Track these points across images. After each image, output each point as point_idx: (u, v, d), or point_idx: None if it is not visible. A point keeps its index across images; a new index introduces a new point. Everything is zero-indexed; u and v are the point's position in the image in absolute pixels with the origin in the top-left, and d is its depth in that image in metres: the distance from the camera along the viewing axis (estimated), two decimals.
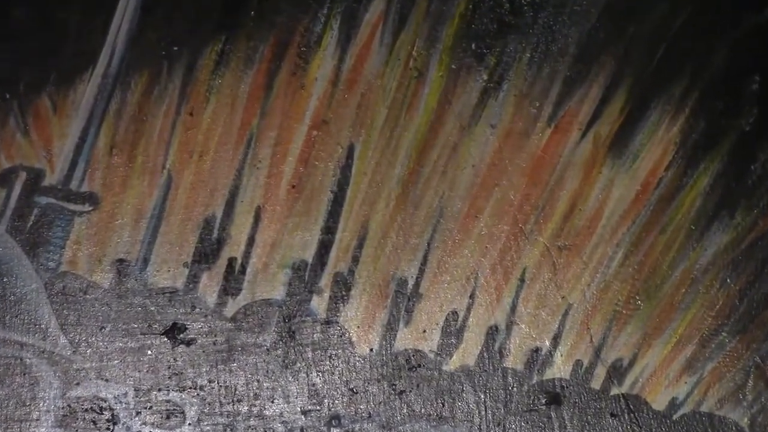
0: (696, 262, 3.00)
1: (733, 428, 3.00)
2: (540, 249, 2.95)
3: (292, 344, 2.92)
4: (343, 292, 2.95)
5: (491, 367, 2.92)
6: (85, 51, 2.93)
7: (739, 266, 2.99)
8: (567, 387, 2.93)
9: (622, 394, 2.96)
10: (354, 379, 2.90)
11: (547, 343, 2.93)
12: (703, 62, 3.02)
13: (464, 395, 2.91)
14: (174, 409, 2.89)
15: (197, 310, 2.93)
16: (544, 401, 2.92)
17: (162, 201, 2.92)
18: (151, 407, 2.88)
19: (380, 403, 2.89)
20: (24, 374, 2.84)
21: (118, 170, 2.93)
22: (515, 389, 2.95)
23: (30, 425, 2.83)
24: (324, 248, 2.97)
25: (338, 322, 2.93)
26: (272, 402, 2.90)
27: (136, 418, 2.87)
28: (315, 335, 2.96)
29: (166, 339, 2.91)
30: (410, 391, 2.95)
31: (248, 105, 2.97)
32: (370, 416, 2.92)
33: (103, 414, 2.86)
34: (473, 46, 2.98)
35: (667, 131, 3.00)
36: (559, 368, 2.94)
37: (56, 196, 2.89)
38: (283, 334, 2.91)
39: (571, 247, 2.95)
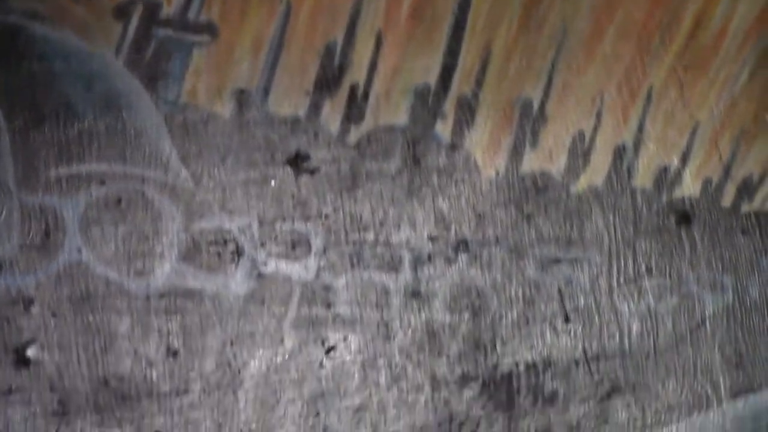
0: None
1: None
2: (665, 68, 2.75)
3: (417, 170, 2.79)
4: (468, 116, 2.80)
5: (619, 188, 2.75)
6: None
7: None
8: (696, 205, 2.73)
9: (753, 211, 2.70)
10: (481, 203, 2.79)
11: (676, 161, 2.72)
12: None
13: (593, 217, 2.75)
14: (299, 239, 2.75)
15: (320, 138, 2.76)
16: (673, 220, 2.69)
17: (281, 29, 2.71)
18: (275, 238, 2.75)
19: (508, 227, 2.76)
20: (146, 208, 2.67)
21: None
22: (644, 209, 2.80)
23: (154, 259, 2.68)
24: (447, 72, 2.77)
25: (463, 147, 2.81)
26: (398, 229, 2.79)
27: (261, 249, 2.73)
28: (440, 160, 2.80)
29: (289, 168, 2.75)
30: (538, 214, 2.86)
31: None
32: (497, 240, 2.83)
33: (227, 246, 2.72)
34: None
35: None
36: (689, 186, 2.75)
37: (174, 27, 2.67)
38: (408, 160, 2.78)
39: (697, 66, 2.67)
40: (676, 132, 2.84)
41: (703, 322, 2.92)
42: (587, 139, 2.81)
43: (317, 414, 2.79)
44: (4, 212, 2.57)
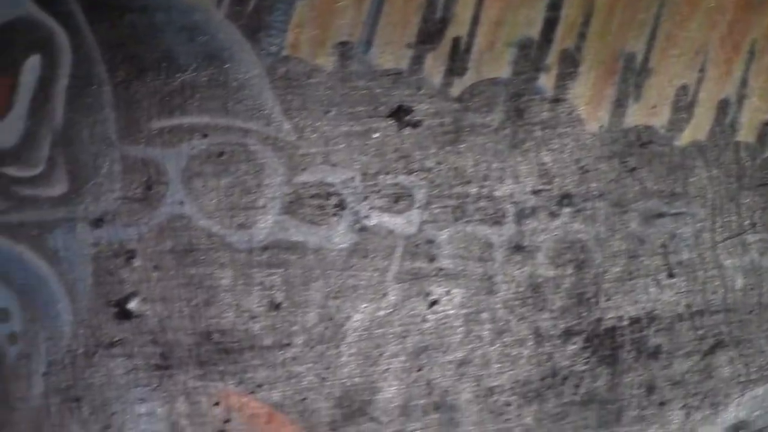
0: None
1: None
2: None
3: (520, 123, 2.34)
4: (571, 69, 2.34)
5: (723, 142, 2.40)
6: None
7: None
8: None
9: None
10: (584, 157, 2.38)
11: None
12: None
13: (696, 171, 2.40)
14: (402, 193, 2.31)
15: (423, 91, 2.30)
16: None
17: None
18: (378, 191, 2.31)
19: (611, 180, 2.39)
20: (249, 161, 2.24)
21: None
22: (748, 163, 2.43)
23: (256, 213, 2.24)
24: (549, 25, 2.31)
25: (567, 100, 2.35)
26: (502, 182, 2.35)
27: (364, 203, 2.30)
28: (543, 114, 2.34)
29: (392, 121, 2.30)
30: (642, 167, 2.38)
31: None
32: (601, 194, 2.37)
33: (329, 199, 2.28)
34: None
35: None
36: None
37: None
38: (511, 113, 2.33)
39: None
40: None
41: None
42: (690, 93, 2.38)
43: (420, 368, 2.35)
44: (106, 165, 2.17)
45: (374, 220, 2.29)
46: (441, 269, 2.32)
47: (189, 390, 2.25)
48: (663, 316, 2.40)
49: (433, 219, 2.31)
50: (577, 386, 2.39)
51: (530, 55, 2.30)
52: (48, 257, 2.19)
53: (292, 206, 2.26)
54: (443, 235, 2.32)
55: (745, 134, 2.37)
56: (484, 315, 2.33)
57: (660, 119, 2.34)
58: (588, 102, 2.33)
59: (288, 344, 2.27)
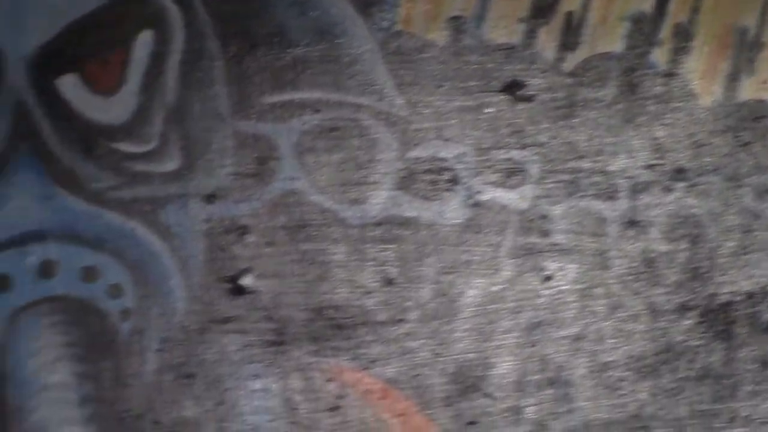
0: None
1: None
2: None
3: (633, 98, 1.98)
4: (684, 43, 1.98)
5: None
6: None
7: None
8: None
9: None
10: (698, 131, 2.00)
11: None
12: None
13: None
14: (515, 168, 1.95)
15: (535, 65, 1.95)
16: None
17: None
18: (491, 166, 1.95)
19: (725, 155, 2.02)
20: (361, 136, 1.90)
21: None
22: None
23: (368, 188, 1.90)
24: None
25: (680, 74, 1.99)
26: (615, 157, 1.98)
27: (477, 178, 1.94)
28: (656, 88, 1.98)
29: (504, 96, 1.94)
30: (755, 142, 2.02)
31: None
32: (715, 169, 2.01)
33: (442, 175, 1.93)
34: None
35: None
36: None
37: None
38: (624, 87, 1.97)
39: None
40: None
41: None
42: None
43: (534, 344, 1.97)
44: (218, 140, 1.84)
45: (487, 195, 1.92)
46: (555, 244, 1.93)
47: (303, 366, 1.90)
48: None
49: (547, 194, 1.94)
50: (691, 361, 2.02)
51: (643, 30, 1.94)
52: (160, 233, 1.86)
53: (405, 181, 1.89)
54: (557, 210, 1.94)
55: None
56: (598, 290, 1.95)
57: None
58: (701, 76, 1.95)
59: (402, 320, 1.90)
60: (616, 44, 1.96)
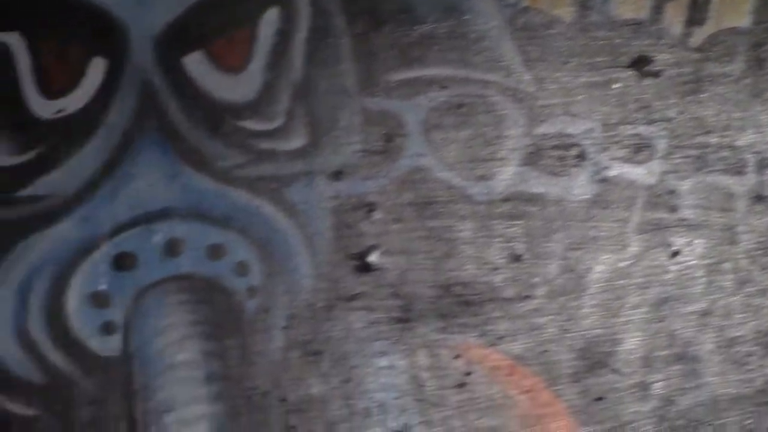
0: None
1: None
2: None
3: (760, 73, 1.72)
4: None
5: None
6: None
7: None
8: None
9: None
10: None
11: None
12: None
13: None
14: (643, 143, 1.70)
15: (663, 41, 1.69)
16: None
17: None
18: (619, 142, 1.70)
19: None
20: (488, 113, 1.65)
21: None
22: None
23: (496, 164, 1.65)
24: None
25: None
26: (743, 132, 1.73)
27: (605, 154, 1.69)
28: None
29: (632, 72, 1.69)
30: None
31: None
32: None
33: (570, 150, 1.68)
34: None
35: None
36: None
37: None
38: (752, 62, 1.72)
39: None
40: None
41: None
42: None
43: (661, 320, 1.71)
44: (345, 117, 1.60)
45: (615, 170, 1.66)
46: (682, 219, 1.68)
47: (430, 343, 1.66)
48: None
49: (674, 169, 1.68)
50: None
51: None
52: (286, 210, 1.63)
53: (533, 157, 1.64)
54: (684, 186, 1.68)
55: None
56: (726, 265, 1.70)
57: None
58: None
59: (529, 296, 1.65)
60: (743, 19, 1.70)
